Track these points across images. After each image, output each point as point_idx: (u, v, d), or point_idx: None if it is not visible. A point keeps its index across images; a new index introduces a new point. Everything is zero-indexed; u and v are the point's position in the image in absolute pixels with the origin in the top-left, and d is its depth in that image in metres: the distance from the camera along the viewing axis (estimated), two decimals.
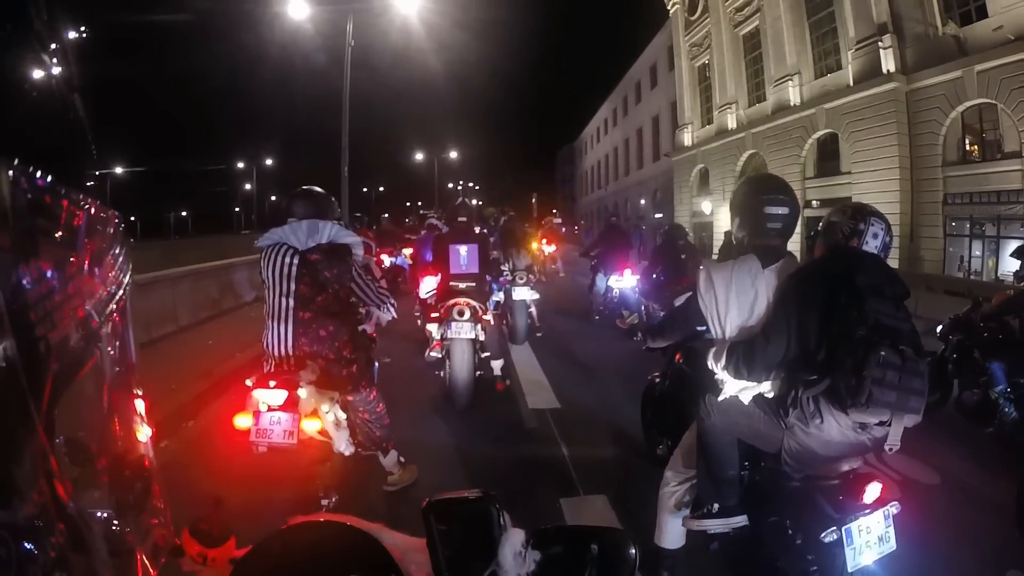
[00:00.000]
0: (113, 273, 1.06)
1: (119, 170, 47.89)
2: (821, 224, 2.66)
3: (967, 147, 17.52)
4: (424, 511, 0.90)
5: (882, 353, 2.10)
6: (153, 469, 1.05)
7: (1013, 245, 9.74)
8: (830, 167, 22.10)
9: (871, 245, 2.48)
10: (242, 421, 3.08)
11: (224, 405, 4.84)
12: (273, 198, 59.54)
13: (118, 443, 0.97)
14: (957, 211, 18.01)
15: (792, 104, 23.42)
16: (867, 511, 2.29)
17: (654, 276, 8.32)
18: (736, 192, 2.79)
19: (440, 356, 5.85)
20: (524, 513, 0.99)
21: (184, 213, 66.32)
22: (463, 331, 5.47)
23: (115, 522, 0.82)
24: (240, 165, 61.42)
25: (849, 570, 2.23)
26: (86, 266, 0.92)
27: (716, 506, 2.63)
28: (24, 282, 0.62)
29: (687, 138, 32.55)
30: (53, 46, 1.18)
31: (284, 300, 3.28)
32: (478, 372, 5.72)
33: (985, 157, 16.91)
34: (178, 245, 26.06)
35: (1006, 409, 4.77)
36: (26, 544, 0.51)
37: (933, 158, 18.02)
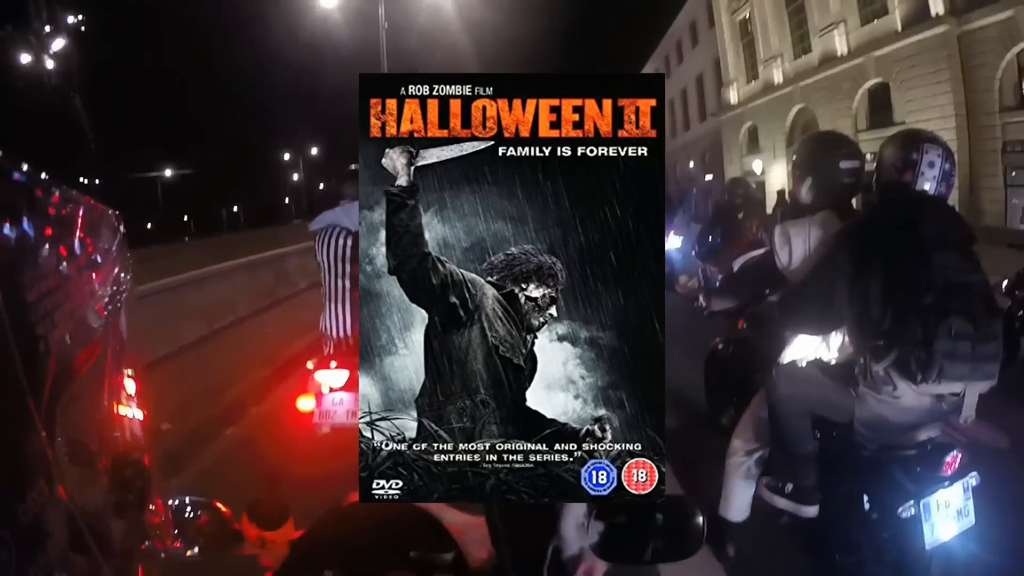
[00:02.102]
0: (114, 272, 1.07)
1: (168, 172, 49.48)
2: (876, 160, 2.42)
3: None
4: None
5: (952, 326, 1.97)
6: (153, 468, 1.05)
7: None
8: (883, 118, 20.94)
9: (927, 176, 2.22)
10: (305, 403, 3.14)
11: (287, 389, 4.95)
12: (321, 186, 60.57)
13: (118, 442, 0.97)
14: (1018, 160, 16.98)
15: (839, 54, 22.30)
16: (946, 483, 2.19)
17: (709, 239, 8.09)
18: (801, 151, 2.65)
19: None
20: None
21: (236, 208, 68.02)
22: None
23: (114, 522, 0.83)
24: (286, 157, 62.84)
25: (926, 547, 2.15)
26: (87, 265, 0.93)
27: (790, 486, 2.52)
28: (24, 282, 0.62)
29: (733, 96, 31.36)
30: (52, 47, 1.19)
31: (341, 282, 3.31)
32: None
33: None
34: (232, 239, 26.85)
35: None
36: (26, 544, 0.51)
37: (989, 104, 17.03)
